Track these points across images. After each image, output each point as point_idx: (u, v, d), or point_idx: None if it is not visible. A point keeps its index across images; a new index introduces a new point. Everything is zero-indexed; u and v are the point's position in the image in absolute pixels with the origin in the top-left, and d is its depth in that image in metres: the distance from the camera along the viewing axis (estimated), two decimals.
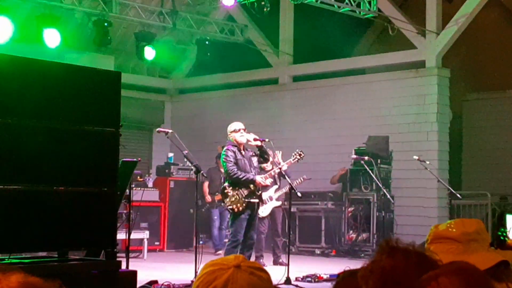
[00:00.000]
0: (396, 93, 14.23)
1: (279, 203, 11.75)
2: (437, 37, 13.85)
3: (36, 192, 6.50)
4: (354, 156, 13.05)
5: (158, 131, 10.15)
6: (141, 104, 17.07)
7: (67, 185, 6.70)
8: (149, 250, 12.81)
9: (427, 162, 11.68)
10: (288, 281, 9.05)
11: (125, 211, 10.39)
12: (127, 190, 8.77)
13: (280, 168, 10.14)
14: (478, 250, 2.37)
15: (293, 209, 12.38)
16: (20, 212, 6.41)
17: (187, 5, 15.22)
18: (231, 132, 9.46)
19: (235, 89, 16.95)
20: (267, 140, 9.51)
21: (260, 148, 9.48)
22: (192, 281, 8.76)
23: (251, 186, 9.30)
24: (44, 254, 7.80)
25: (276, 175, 11.17)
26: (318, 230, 13.63)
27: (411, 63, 14.33)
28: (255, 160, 9.54)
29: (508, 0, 16.65)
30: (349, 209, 13.36)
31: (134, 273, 7.33)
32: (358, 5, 13.33)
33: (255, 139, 9.42)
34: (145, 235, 12.67)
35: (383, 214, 12.94)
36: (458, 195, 11.57)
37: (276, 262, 11.59)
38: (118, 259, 7.06)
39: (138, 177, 13.31)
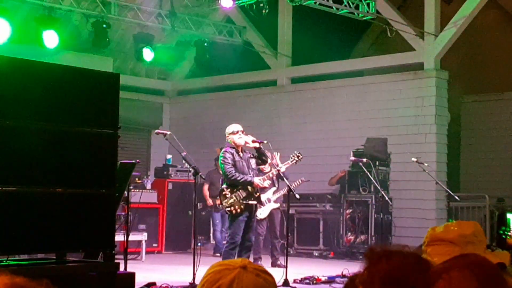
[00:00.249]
0: (395, 95, 14.24)
1: (277, 205, 11.75)
2: (435, 39, 13.86)
3: (34, 194, 6.50)
4: (352, 158, 13.05)
5: (157, 133, 10.16)
6: (139, 106, 17.07)
7: (65, 186, 6.69)
8: (147, 252, 12.81)
9: (426, 164, 11.68)
10: (286, 283, 9.05)
11: (123, 213, 10.40)
12: (125, 192, 8.76)
13: (278, 170, 10.15)
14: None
15: (291, 211, 12.38)
16: (19, 214, 6.41)
17: (186, 6, 15.23)
18: (229, 134, 9.45)
19: (234, 91, 16.95)
20: (265, 142, 9.51)
21: (258, 150, 9.48)
22: (190, 283, 8.75)
23: (249, 188, 9.30)
24: (42, 255, 7.80)
25: (275, 177, 11.18)
26: (316, 232, 13.64)
27: (409, 65, 14.34)
28: (253, 162, 9.53)
29: (507, 2, 16.68)
30: (347, 211, 13.36)
31: (132, 275, 7.33)
32: (357, 7, 13.34)
33: (253, 141, 9.41)
34: (143, 237, 12.66)
35: (381, 216, 12.95)
36: (456, 197, 11.57)
37: (274, 264, 11.58)
38: (116, 261, 7.05)
39: (137, 179, 13.31)
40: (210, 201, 13.47)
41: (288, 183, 9.80)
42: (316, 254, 13.55)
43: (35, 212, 6.50)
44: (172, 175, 14.25)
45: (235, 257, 9.18)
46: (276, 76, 16.32)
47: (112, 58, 15.58)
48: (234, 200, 9.22)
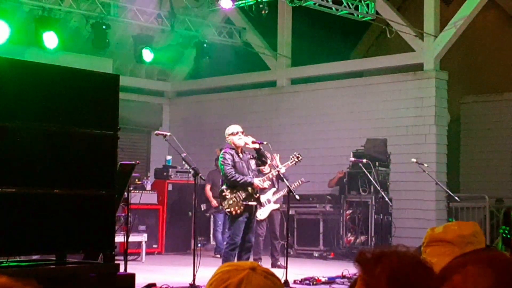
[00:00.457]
0: (394, 96, 14.24)
1: (277, 205, 11.75)
2: (435, 39, 13.87)
3: (34, 195, 6.50)
4: (352, 159, 13.06)
5: (156, 134, 10.15)
6: (139, 107, 17.07)
7: (65, 188, 6.70)
8: (147, 253, 12.81)
9: (425, 165, 11.69)
10: (286, 284, 9.04)
11: (123, 214, 10.40)
12: (125, 193, 8.77)
13: (278, 171, 10.15)
14: None
15: (291, 212, 12.38)
16: (18, 215, 6.41)
17: (185, 7, 15.23)
18: (229, 135, 9.45)
19: (233, 92, 16.96)
20: (265, 143, 9.51)
21: (258, 151, 9.48)
22: (190, 284, 8.76)
23: (249, 188, 9.30)
24: (37, 257, 7.80)
25: (274, 178, 11.18)
26: (316, 233, 13.64)
27: (409, 66, 14.35)
28: (253, 163, 9.53)
29: (506, 3, 16.68)
30: (347, 212, 13.37)
31: (132, 276, 7.33)
32: (356, 8, 13.34)
33: (253, 142, 9.41)
34: (143, 238, 12.66)
35: (381, 217, 12.96)
36: (456, 198, 11.58)
37: (274, 265, 11.58)
38: (116, 262, 7.06)
39: (136, 180, 13.30)
40: (214, 202, 13.39)
41: (288, 184, 9.81)
42: (316, 255, 13.55)
43: (35, 213, 6.51)
44: (172, 176, 14.25)
45: (235, 258, 9.19)
46: (276, 77, 16.33)
47: (111, 59, 15.58)
48: (234, 201, 9.22)
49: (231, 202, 9.22)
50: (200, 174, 9.28)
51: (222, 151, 9.48)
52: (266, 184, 9.86)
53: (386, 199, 12.44)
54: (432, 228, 2.58)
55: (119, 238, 9.71)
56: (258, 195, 9.52)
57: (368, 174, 12.51)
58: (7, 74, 6.41)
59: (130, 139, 16.53)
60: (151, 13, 14.75)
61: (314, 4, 12.80)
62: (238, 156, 9.37)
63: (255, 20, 13.89)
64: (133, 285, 7.28)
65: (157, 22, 14.76)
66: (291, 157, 10.31)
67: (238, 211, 9.19)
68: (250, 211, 9.32)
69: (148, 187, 14.05)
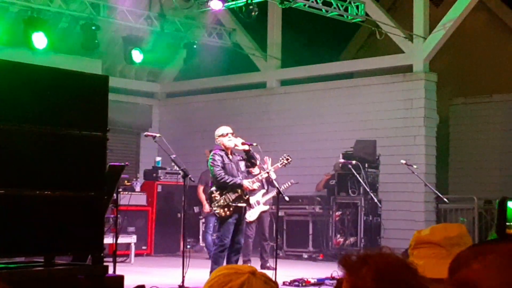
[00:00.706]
0: (384, 98, 14.27)
1: (266, 207, 11.76)
2: (424, 41, 13.91)
3: (23, 197, 6.47)
4: (342, 160, 13.09)
5: (146, 135, 10.14)
6: (128, 108, 17.04)
7: (53, 189, 6.67)
8: (136, 255, 12.78)
9: (414, 166, 11.72)
10: None
11: (112, 216, 10.37)
12: (115, 194, 8.75)
13: (267, 173, 10.14)
14: None
15: (280, 213, 12.40)
16: (7, 216, 6.38)
17: (175, 8, 15.21)
18: (219, 136, 9.45)
19: (223, 93, 16.96)
20: (254, 144, 9.52)
21: (247, 152, 9.48)
22: (179, 286, 8.75)
23: (239, 190, 9.30)
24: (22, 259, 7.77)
25: (264, 180, 11.19)
26: (306, 234, 13.65)
27: (398, 68, 14.38)
28: (242, 164, 9.53)
29: (495, 5, 16.76)
30: (337, 213, 13.38)
31: (121, 278, 7.31)
32: (346, 10, 13.38)
33: (242, 143, 9.41)
34: (132, 239, 12.63)
35: (370, 218, 12.99)
36: (445, 199, 11.61)
37: (263, 267, 11.57)
38: (105, 263, 7.04)
39: (126, 181, 13.27)
40: (207, 208, 13.22)
41: (277, 186, 9.82)
42: (306, 256, 13.57)
43: (24, 214, 6.48)
44: (161, 178, 14.23)
45: (224, 260, 9.18)
46: (266, 78, 16.34)
47: (101, 60, 15.56)
48: (223, 202, 9.22)
49: (220, 203, 9.22)
50: (189, 176, 9.28)
51: (212, 153, 9.48)
52: (256, 185, 9.86)
53: (375, 200, 12.46)
54: (419, 231, 2.60)
55: (108, 240, 9.71)
56: (247, 196, 9.52)
57: (358, 176, 12.54)
58: None
59: (119, 140, 16.50)
60: (141, 14, 14.72)
61: (304, 5, 12.83)
62: (228, 157, 9.37)
63: (245, 21, 13.87)
64: (122, 287, 7.26)
65: (146, 23, 14.73)
66: (280, 158, 10.31)
67: (228, 212, 9.19)
68: (240, 213, 9.32)
69: (137, 188, 14.02)
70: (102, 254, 6.98)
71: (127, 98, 17.24)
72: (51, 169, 6.69)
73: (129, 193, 12.89)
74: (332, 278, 9.77)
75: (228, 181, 9.22)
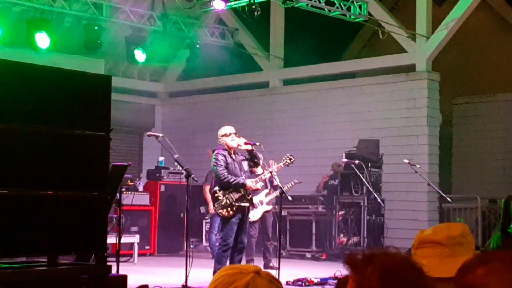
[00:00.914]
0: (387, 97, 14.27)
1: (269, 207, 11.75)
2: (427, 41, 13.90)
3: (26, 197, 6.48)
4: (345, 160, 13.08)
5: (149, 135, 10.15)
6: (131, 108, 17.05)
7: (57, 189, 6.68)
8: (139, 254, 12.78)
9: (417, 166, 11.72)
10: None
11: (115, 215, 10.39)
12: (118, 194, 8.75)
13: (271, 172, 10.14)
14: (463, 254, 2.39)
15: (283, 213, 12.39)
16: (10, 216, 6.39)
17: (178, 8, 15.22)
18: (222, 136, 9.45)
19: (226, 93, 16.96)
20: (257, 144, 9.52)
21: (250, 152, 9.48)
22: (182, 285, 8.76)
23: (242, 190, 9.29)
24: (23, 259, 7.78)
25: (267, 180, 11.19)
26: (309, 234, 13.65)
27: (401, 67, 14.37)
28: (245, 164, 9.53)
29: (498, 4, 16.74)
30: (340, 213, 13.38)
31: (124, 278, 7.32)
32: (349, 9, 13.37)
33: (245, 143, 9.41)
34: (135, 239, 12.64)
35: (373, 218, 12.98)
36: (448, 199, 11.60)
37: (266, 266, 11.57)
38: (108, 263, 7.05)
39: (129, 181, 13.25)
40: (212, 209, 13.25)
41: (280, 185, 9.82)
42: (309, 256, 13.57)
43: (27, 214, 6.49)
44: (164, 177, 14.24)
45: (228, 260, 9.19)
46: (268, 78, 16.33)
47: (104, 60, 15.57)
48: (226, 202, 9.22)
49: (223, 203, 9.22)
50: (192, 175, 9.28)
51: (215, 152, 9.48)
52: (259, 185, 9.87)
53: (379, 200, 12.46)
54: (421, 230, 2.59)
55: (111, 240, 9.70)
56: (250, 196, 9.52)
57: (361, 175, 12.53)
58: None
59: (122, 140, 16.51)
60: (144, 14, 14.74)
61: (307, 5, 12.83)
62: (231, 157, 9.37)
63: (247, 21, 13.88)
64: (125, 287, 7.26)
65: (149, 22, 14.75)
66: (283, 158, 10.31)
67: (231, 212, 9.19)
68: (243, 212, 9.32)
69: (141, 188, 14.03)
70: (105, 254, 6.98)
71: (130, 98, 17.25)
72: (54, 169, 6.69)
73: (132, 192, 12.91)
74: (335, 278, 9.76)
75: (231, 180, 9.22)
